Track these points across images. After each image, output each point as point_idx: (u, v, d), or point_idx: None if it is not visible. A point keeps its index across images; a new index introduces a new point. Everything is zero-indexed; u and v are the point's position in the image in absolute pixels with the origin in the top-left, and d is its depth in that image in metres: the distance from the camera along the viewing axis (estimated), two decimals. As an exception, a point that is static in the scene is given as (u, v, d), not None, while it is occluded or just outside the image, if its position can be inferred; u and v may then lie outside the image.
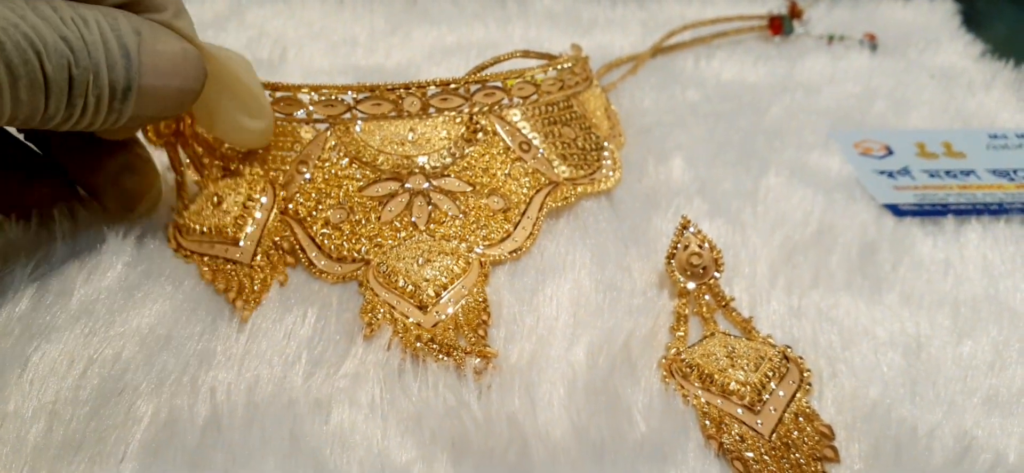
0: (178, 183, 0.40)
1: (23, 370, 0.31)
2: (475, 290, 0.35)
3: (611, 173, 0.42)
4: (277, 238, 0.38)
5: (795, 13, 0.61)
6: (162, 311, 0.34)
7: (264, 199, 0.38)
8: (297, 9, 0.64)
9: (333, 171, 0.39)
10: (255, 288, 0.36)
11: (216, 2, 0.66)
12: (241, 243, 0.37)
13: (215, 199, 0.38)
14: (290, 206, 0.39)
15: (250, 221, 0.38)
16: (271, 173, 0.39)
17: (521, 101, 0.41)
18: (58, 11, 0.30)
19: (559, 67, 0.43)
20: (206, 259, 0.37)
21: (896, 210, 0.41)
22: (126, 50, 0.32)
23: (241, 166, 0.39)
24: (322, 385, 0.30)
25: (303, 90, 0.39)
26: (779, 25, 0.60)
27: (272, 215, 0.38)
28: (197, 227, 0.37)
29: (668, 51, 0.58)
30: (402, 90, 0.39)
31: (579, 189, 0.41)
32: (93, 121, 0.33)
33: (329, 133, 0.40)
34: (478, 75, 0.41)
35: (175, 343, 0.33)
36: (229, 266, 0.37)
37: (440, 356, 0.32)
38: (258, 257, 0.37)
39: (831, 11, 0.67)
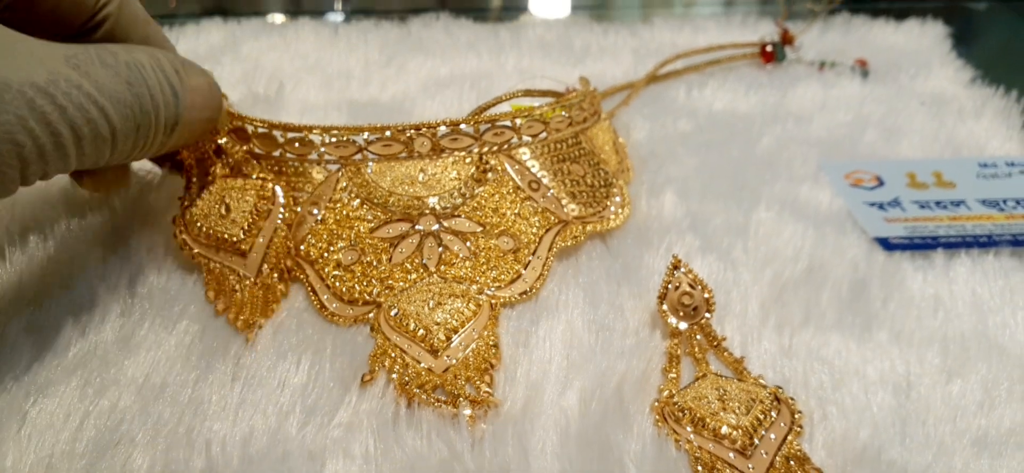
0: (187, 168, 0.40)
1: (21, 425, 0.31)
2: (485, 333, 0.35)
3: (620, 210, 0.43)
4: (286, 264, 0.38)
5: (787, 40, 0.62)
6: (156, 359, 0.34)
7: (273, 208, 0.38)
8: (292, 41, 0.65)
9: (344, 212, 0.39)
10: (255, 311, 0.36)
11: (211, 35, 0.66)
12: (248, 256, 0.38)
13: (224, 207, 0.38)
14: (302, 247, 0.39)
15: (259, 234, 0.38)
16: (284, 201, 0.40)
17: (530, 139, 0.42)
18: (117, 58, 0.31)
19: (568, 104, 0.43)
20: (211, 265, 0.38)
21: (886, 244, 0.41)
22: (174, 89, 0.34)
23: (246, 168, 0.39)
24: (316, 436, 0.31)
25: (315, 131, 0.39)
26: (771, 55, 0.60)
27: (279, 226, 0.38)
28: (204, 228, 0.38)
29: (661, 79, 0.59)
30: (413, 131, 0.40)
31: (589, 228, 0.41)
32: (140, 156, 0.34)
33: (340, 174, 0.40)
34: (487, 114, 0.41)
35: (170, 391, 0.33)
36: (232, 278, 0.37)
37: (438, 405, 0.32)
38: (264, 269, 0.37)
39: (823, 36, 0.67)
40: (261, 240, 0.38)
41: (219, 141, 0.39)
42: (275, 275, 0.38)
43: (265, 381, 0.33)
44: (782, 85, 0.58)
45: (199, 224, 0.38)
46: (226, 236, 0.38)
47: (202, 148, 0.39)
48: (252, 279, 0.37)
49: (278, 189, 0.39)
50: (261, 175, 0.39)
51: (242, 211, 0.38)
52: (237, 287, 0.37)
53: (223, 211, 0.38)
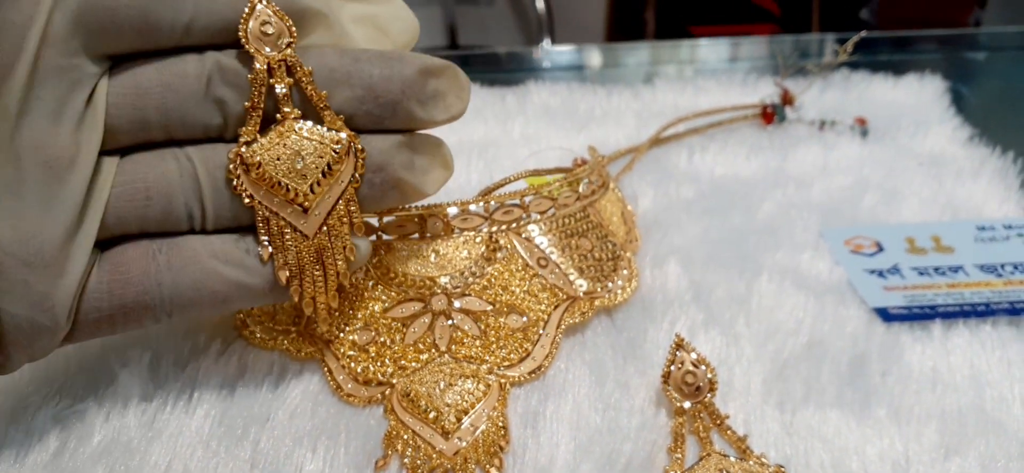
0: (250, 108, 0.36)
1: (48, 518, 0.32)
2: (495, 414, 0.36)
3: (627, 284, 0.44)
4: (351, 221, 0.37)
5: (787, 100, 0.63)
6: (178, 445, 0.36)
7: (346, 167, 0.35)
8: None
9: (358, 292, 0.41)
10: (319, 290, 0.36)
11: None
12: (309, 214, 0.35)
13: (299, 158, 0.35)
14: (318, 328, 0.40)
15: (326, 193, 0.35)
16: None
17: (539, 216, 0.43)
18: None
19: (576, 178, 0.44)
20: (268, 216, 0.35)
21: (885, 315, 0.42)
22: None
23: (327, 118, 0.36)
24: (332, 526, 0.32)
25: None
26: (771, 116, 0.62)
27: (347, 187, 0.36)
28: (267, 173, 0.35)
29: (663, 142, 0.60)
30: (425, 213, 0.41)
31: (597, 303, 0.42)
32: None
33: None
34: (497, 194, 0.43)
35: (191, 479, 0.34)
36: (289, 234, 0.35)
37: None
38: (321, 235, 0.36)
39: (823, 93, 0.68)
40: (327, 200, 0.35)
41: None
42: (334, 239, 0.36)
43: (282, 467, 0.35)
44: (783, 147, 0.59)
45: (261, 165, 0.35)
46: (291, 187, 0.35)
47: None
48: (310, 238, 0.36)
49: (355, 146, 0.35)
50: (339, 124, 0.35)
51: (314, 166, 0.35)
52: (293, 245, 0.35)
53: (295, 163, 0.35)
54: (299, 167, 0.35)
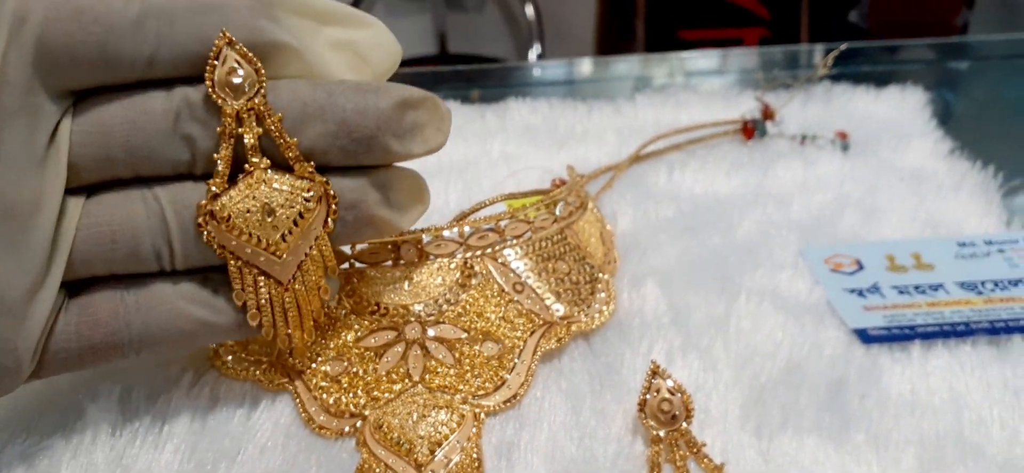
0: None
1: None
2: (469, 445, 0.36)
3: (604, 308, 0.43)
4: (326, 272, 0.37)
5: (768, 115, 0.63)
6: (147, 482, 0.35)
7: (318, 214, 0.35)
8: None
9: (331, 321, 0.40)
10: (296, 327, 0.36)
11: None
12: (283, 260, 0.35)
13: (267, 211, 0.34)
14: (291, 359, 0.40)
15: (299, 239, 0.35)
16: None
17: (515, 240, 0.42)
18: None
19: (553, 201, 0.44)
20: (239, 264, 0.35)
21: (865, 336, 0.42)
22: None
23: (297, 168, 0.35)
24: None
25: None
26: (752, 131, 0.61)
27: (321, 234, 0.35)
28: (237, 225, 0.34)
29: (643, 159, 0.60)
30: (398, 240, 0.40)
31: (574, 328, 0.42)
32: None
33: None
34: (471, 219, 0.42)
35: (160, 517, 0.34)
36: (262, 283, 0.35)
37: None
38: (297, 282, 0.36)
39: (805, 106, 0.68)
40: (300, 246, 0.35)
41: None
42: (308, 283, 0.36)
43: (252, 506, 0.34)
44: (763, 163, 0.59)
45: (231, 218, 0.34)
46: (263, 238, 0.35)
47: None
48: (284, 285, 0.35)
49: (328, 193, 0.35)
50: (309, 172, 0.35)
51: (285, 217, 0.35)
52: (266, 292, 0.35)
53: (265, 215, 0.34)
54: (270, 220, 0.34)
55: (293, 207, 0.35)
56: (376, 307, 0.40)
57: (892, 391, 0.39)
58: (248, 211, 0.34)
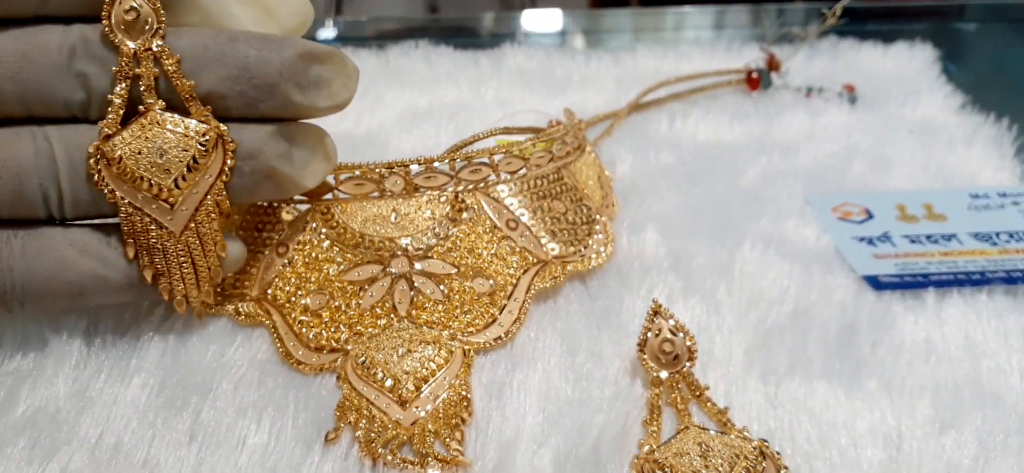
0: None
1: (-40, 493, 0.29)
2: (457, 382, 0.34)
3: (602, 249, 0.41)
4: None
5: (773, 66, 0.61)
6: (111, 416, 0.33)
7: (214, 160, 0.33)
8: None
9: (314, 254, 0.38)
10: (191, 285, 0.35)
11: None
12: (175, 209, 0.33)
13: (159, 152, 0.33)
14: (269, 291, 0.37)
15: (193, 187, 0.33)
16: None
17: (509, 176, 0.40)
18: None
19: (549, 138, 0.42)
20: (130, 212, 0.33)
21: (876, 283, 0.40)
22: None
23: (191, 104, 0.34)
24: (274, 503, 0.29)
25: None
26: (757, 82, 0.59)
27: (215, 182, 0.34)
28: (129, 167, 0.32)
29: (643, 108, 0.57)
30: (384, 169, 0.38)
31: (569, 267, 0.39)
32: None
33: (310, 214, 0.38)
34: (463, 151, 0.40)
35: (124, 452, 0.32)
36: (154, 231, 0.33)
37: (405, 466, 0.31)
38: (189, 231, 0.34)
39: (810, 60, 0.66)
40: (194, 195, 0.33)
41: None
42: (203, 235, 0.34)
43: (224, 440, 0.32)
44: (768, 114, 0.57)
45: (123, 159, 0.33)
46: (154, 182, 0.33)
47: None
48: (177, 235, 0.34)
49: (224, 138, 0.33)
50: (205, 116, 0.33)
51: (178, 160, 0.33)
52: (158, 243, 0.33)
53: (158, 157, 0.33)
54: (162, 161, 0.33)
55: (187, 150, 0.33)
56: (360, 239, 0.38)
57: (906, 338, 0.37)
58: (140, 153, 0.32)
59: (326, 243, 0.38)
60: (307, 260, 0.38)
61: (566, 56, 0.65)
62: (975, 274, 0.41)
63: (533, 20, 0.78)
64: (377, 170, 0.38)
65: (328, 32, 0.74)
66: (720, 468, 0.30)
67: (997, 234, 0.44)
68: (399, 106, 0.58)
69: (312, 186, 0.36)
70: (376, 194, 0.39)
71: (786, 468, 0.31)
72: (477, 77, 0.62)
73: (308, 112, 0.34)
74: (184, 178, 0.33)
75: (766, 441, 0.31)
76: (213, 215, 0.34)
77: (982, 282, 0.40)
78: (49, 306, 0.34)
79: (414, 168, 0.39)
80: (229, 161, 0.33)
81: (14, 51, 0.31)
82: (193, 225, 0.34)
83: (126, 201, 0.33)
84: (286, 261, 0.38)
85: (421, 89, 0.60)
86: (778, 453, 0.31)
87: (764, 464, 0.30)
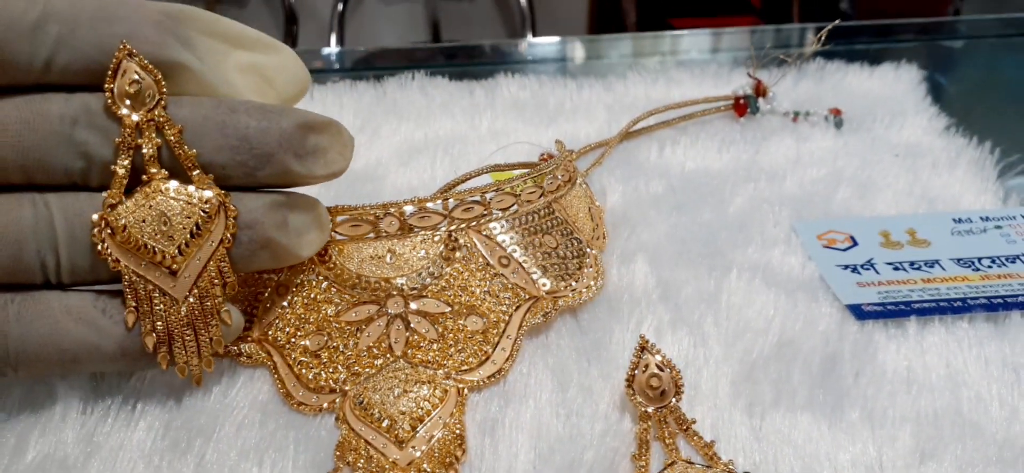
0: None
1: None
2: (451, 421, 0.35)
3: (592, 282, 0.42)
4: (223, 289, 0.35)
5: (760, 91, 0.62)
6: (118, 460, 0.34)
7: (215, 227, 0.34)
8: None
9: (312, 295, 0.39)
10: (191, 354, 0.35)
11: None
12: (178, 277, 0.34)
13: (164, 220, 0.34)
14: (270, 332, 0.38)
15: (195, 254, 0.34)
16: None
17: (501, 213, 0.41)
18: None
19: (540, 174, 0.43)
20: (134, 281, 0.34)
21: (859, 312, 0.41)
22: None
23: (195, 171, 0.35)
24: (275, 546, 0.30)
25: None
26: (744, 108, 0.60)
27: (217, 249, 0.34)
28: (133, 236, 0.33)
29: (633, 136, 0.59)
30: (380, 211, 0.39)
31: (561, 302, 0.40)
32: None
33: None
34: (456, 191, 0.41)
35: (131, 496, 0.32)
36: (157, 300, 0.34)
37: None
38: (192, 298, 0.34)
39: (797, 83, 0.67)
40: (197, 261, 0.34)
41: None
42: (206, 303, 0.35)
43: (227, 484, 0.33)
44: (755, 139, 0.58)
45: (127, 228, 0.33)
46: (158, 249, 0.34)
47: None
48: (180, 303, 0.34)
49: (226, 206, 0.34)
50: (207, 183, 0.34)
51: (181, 227, 0.34)
52: (162, 310, 0.34)
53: (161, 225, 0.34)
54: (165, 228, 0.34)
55: (190, 217, 0.34)
56: (357, 280, 0.39)
57: (887, 368, 0.38)
58: (143, 221, 0.34)
59: (324, 284, 0.39)
60: (306, 301, 0.39)
61: (558, 85, 0.66)
62: (957, 301, 0.42)
63: (531, 47, 0.79)
64: (372, 212, 0.39)
65: (325, 63, 0.76)
66: (706, 502, 0.31)
67: (979, 259, 0.45)
68: (396, 140, 0.59)
69: (308, 256, 0.37)
70: (372, 235, 0.40)
71: (770, 500, 0.32)
72: (472, 108, 0.63)
73: (305, 180, 0.35)
74: (187, 245, 0.34)
75: (751, 474, 0.32)
76: (216, 282, 0.35)
77: (963, 309, 0.41)
78: (43, 372, 0.34)
79: (408, 209, 0.40)
80: (231, 229, 0.34)
81: (16, 119, 0.32)
82: (196, 291, 0.34)
83: (130, 269, 0.34)
84: (285, 303, 0.39)
85: (417, 122, 0.61)
86: (763, 486, 0.32)
87: (749, 497, 0.31)
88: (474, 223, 0.41)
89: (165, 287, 0.34)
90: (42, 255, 0.33)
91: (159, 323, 0.34)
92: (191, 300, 0.34)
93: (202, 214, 0.34)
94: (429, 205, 0.40)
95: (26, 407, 0.36)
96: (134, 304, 0.34)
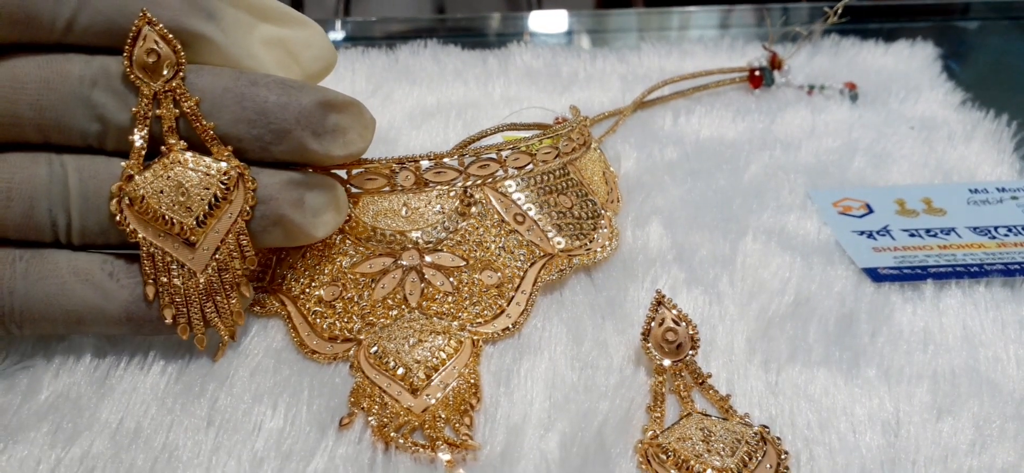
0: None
1: (-13, 475, 0.30)
2: (466, 371, 0.35)
3: (607, 243, 0.42)
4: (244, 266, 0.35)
5: (775, 64, 0.61)
6: (130, 401, 0.34)
7: (235, 200, 0.34)
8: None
9: (327, 247, 0.39)
10: (202, 323, 0.35)
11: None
12: (196, 250, 0.34)
13: (182, 191, 0.33)
14: (284, 283, 0.38)
15: (213, 227, 0.34)
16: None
17: (516, 172, 0.41)
18: None
19: (556, 134, 0.42)
20: (152, 251, 0.34)
21: (875, 275, 0.41)
22: None
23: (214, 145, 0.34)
24: (290, 484, 0.30)
25: None
26: (759, 80, 0.60)
27: (237, 220, 0.34)
28: (151, 206, 0.33)
29: (648, 105, 0.58)
30: (396, 164, 0.39)
31: (575, 260, 0.40)
32: None
33: None
34: (472, 147, 0.41)
35: (144, 437, 0.33)
36: (176, 272, 0.34)
37: (416, 450, 0.32)
38: (210, 268, 0.34)
39: (812, 58, 0.66)
40: (215, 234, 0.34)
41: None
42: (224, 276, 0.35)
43: (240, 425, 0.33)
44: (770, 110, 0.58)
45: (145, 199, 0.33)
46: (177, 221, 0.34)
47: None
48: (198, 276, 0.34)
49: (245, 177, 0.34)
50: (226, 155, 0.34)
51: (200, 199, 0.34)
52: (180, 284, 0.34)
53: (180, 196, 0.33)
54: (184, 200, 0.33)
55: (209, 189, 0.33)
56: (372, 233, 0.39)
57: (904, 328, 0.38)
58: (162, 192, 0.33)
59: (338, 236, 0.39)
60: (320, 252, 0.39)
61: (572, 55, 0.66)
62: (973, 266, 0.41)
63: (539, 21, 0.79)
64: (388, 165, 0.39)
65: (337, 34, 0.75)
66: (722, 452, 0.31)
67: (995, 228, 0.45)
68: (408, 103, 0.59)
69: (322, 237, 0.36)
70: (387, 188, 0.39)
71: (786, 453, 0.31)
72: (485, 75, 0.63)
73: (322, 159, 0.35)
74: (206, 217, 0.33)
75: (767, 427, 0.32)
76: (235, 255, 0.34)
77: (980, 274, 0.41)
78: (47, 330, 0.34)
79: (424, 163, 0.40)
80: (250, 202, 0.34)
81: (36, 78, 0.32)
82: (214, 264, 0.34)
83: (148, 240, 0.33)
84: (300, 254, 0.39)
85: (430, 87, 0.61)
86: (778, 438, 0.32)
87: (765, 449, 0.31)
88: (490, 180, 0.40)
89: (184, 259, 0.34)
90: (54, 214, 0.33)
91: (177, 295, 0.34)
92: (210, 272, 0.34)
93: (221, 186, 0.33)
94: (445, 160, 0.40)
95: (40, 349, 0.36)
96: (152, 277, 0.34)
